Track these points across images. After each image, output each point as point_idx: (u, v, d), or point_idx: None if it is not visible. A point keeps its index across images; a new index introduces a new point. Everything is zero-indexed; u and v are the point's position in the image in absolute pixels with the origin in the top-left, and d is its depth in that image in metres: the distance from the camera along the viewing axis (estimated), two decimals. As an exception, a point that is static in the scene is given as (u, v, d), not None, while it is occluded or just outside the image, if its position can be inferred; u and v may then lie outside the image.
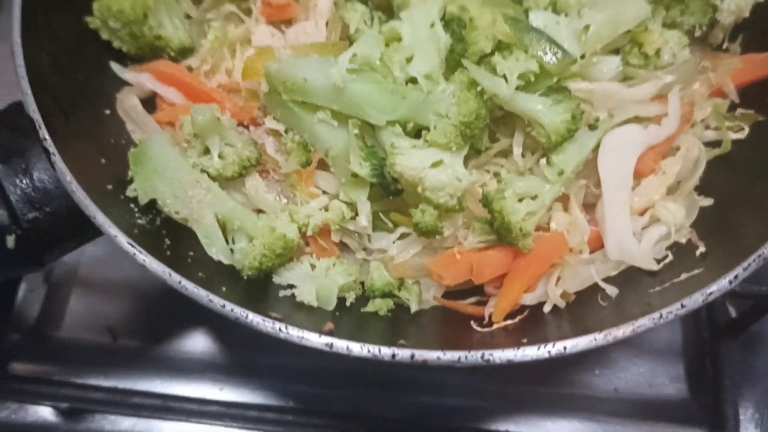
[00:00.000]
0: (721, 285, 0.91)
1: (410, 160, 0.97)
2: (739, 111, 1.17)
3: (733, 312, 1.33)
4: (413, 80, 1.02)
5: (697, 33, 1.19)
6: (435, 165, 0.98)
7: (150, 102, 1.18)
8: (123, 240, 0.91)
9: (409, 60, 1.03)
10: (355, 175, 1.02)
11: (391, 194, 1.03)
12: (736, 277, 0.91)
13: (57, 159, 0.95)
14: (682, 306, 0.89)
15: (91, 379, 1.28)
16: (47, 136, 0.96)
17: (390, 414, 1.27)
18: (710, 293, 0.90)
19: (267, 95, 1.07)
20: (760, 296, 1.20)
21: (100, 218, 0.92)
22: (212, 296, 0.88)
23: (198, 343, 1.33)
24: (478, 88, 0.98)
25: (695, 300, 0.90)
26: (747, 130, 1.15)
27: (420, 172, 0.97)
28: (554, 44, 1.02)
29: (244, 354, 1.32)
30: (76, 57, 1.12)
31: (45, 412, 1.27)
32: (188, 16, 1.22)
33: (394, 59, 1.02)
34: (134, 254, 0.90)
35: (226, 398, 1.28)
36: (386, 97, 1.00)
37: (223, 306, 0.87)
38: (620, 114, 1.09)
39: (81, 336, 1.30)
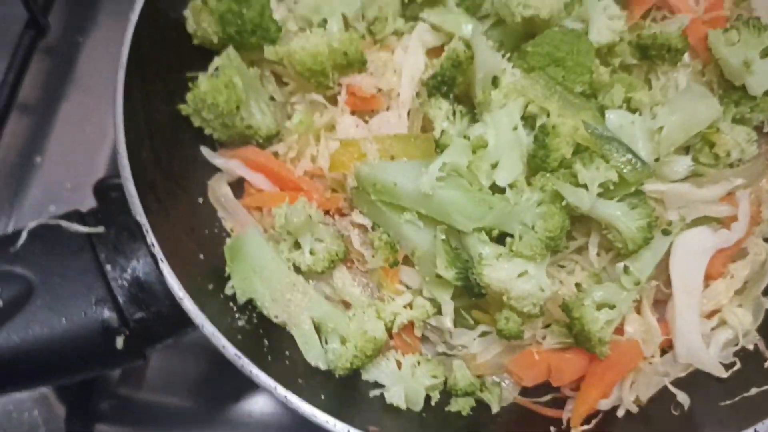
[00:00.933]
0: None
1: (498, 272, 1.01)
2: (811, 204, 1.20)
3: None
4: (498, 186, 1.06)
5: (766, 129, 1.22)
6: (520, 275, 1.03)
7: (238, 185, 1.23)
8: (231, 351, 0.97)
9: (494, 166, 1.08)
10: (439, 276, 1.07)
11: (474, 296, 1.08)
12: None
13: (165, 266, 1.00)
14: (756, 431, 0.95)
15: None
16: (155, 242, 1.01)
17: None
18: (787, 416, 0.95)
19: (355, 192, 1.12)
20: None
21: (209, 329, 0.98)
22: (317, 412, 0.94)
23: (276, 407, 1.36)
24: (563, 202, 1.03)
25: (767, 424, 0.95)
26: (821, 224, 1.19)
27: (507, 284, 1.02)
28: (633, 155, 1.06)
29: None
30: (171, 146, 1.17)
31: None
32: (272, 98, 1.26)
33: (482, 167, 1.06)
34: (242, 365, 0.96)
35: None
36: (473, 205, 1.05)
37: (326, 422, 0.93)
38: (691, 215, 1.14)
39: (161, 397, 1.35)
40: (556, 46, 1.14)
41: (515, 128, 1.09)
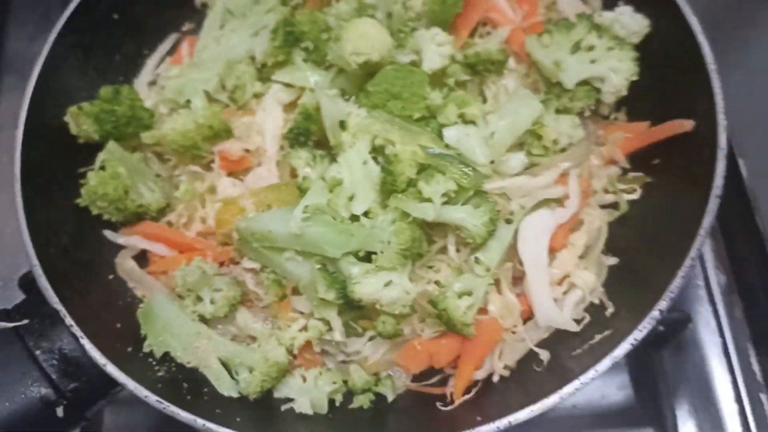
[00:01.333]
0: (623, 348, 1.15)
1: (366, 287, 1.20)
2: (631, 175, 1.40)
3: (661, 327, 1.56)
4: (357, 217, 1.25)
5: (587, 114, 1.42)
6: (386, 285, 1.21)
7: (143, 255, 1.40)
8: (153, 399, 1.14)
9: (351, 199, 1.26)
10: (323, 299, 1.25)
11: (355, 309, 1.26)
12: (635, 339, 1.16)
13: (85, 341, 1.17)
14: (596, 371, 1.14)
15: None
16: (73, 323, 1.18)
17: None
18: (616, 356, 1.15)
19: (240, 243, 1.30)
20: (674, 319, 1.44)
21: (131, 384, 1.15)
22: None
23: None
24: (410, 219, 1.22)
25: (605, 364, 1.14)
26: (639, 190, 1.39)
27: (376, 295, 1.20)
28: (465, 165, 1.25)
29: None
30: (75, 236, 1.34)
31: None
32: (158, 175, 1.44)
33: (339, 203, 1.25)
34: (164, 408, 1.14)
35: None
36: (337, 235, 1.23)
37: (243, 440, 1.11)
38: (530, 202, 1.33)
39: None
40: (392, 82, 1.32)
41: (365, 163, 1.27)
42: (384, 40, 1.36)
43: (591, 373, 1.14)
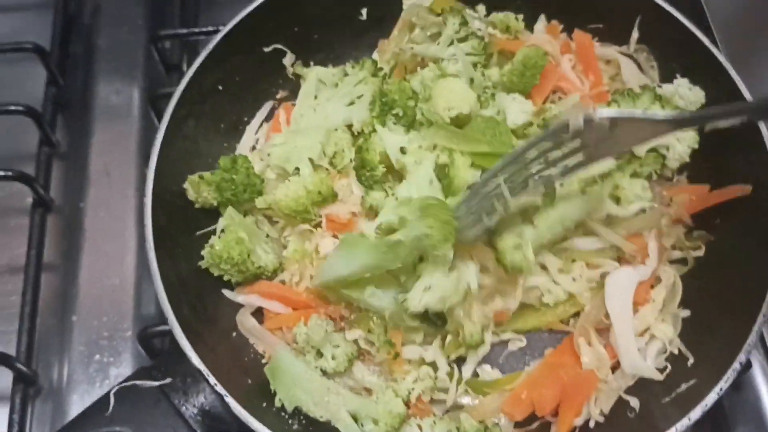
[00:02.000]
0: (712, 398, 1.29)
1: (412, 300, 1.32)
2: (695, 233, 1.55)
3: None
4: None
5: (654, 177, 1.58)
6: (425, 290, 1.31)
7: (259, 312, 1.52)
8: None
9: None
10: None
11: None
12: (721, 389, 1.31)
13: (230, 399, 1.28)
14: (689, 419, 1.29)
15: None
16: (217, 382, 1.29)
17: None
18: (706, 405, 1.30)
19: (329, 292, 1.45)
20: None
21: (274, 441, 1.27)
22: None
23: None
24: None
25: (697, 412, 1.29)
26: (704, 247, 1.55)
27: (422, 303, 1.31)
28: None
29: None
30: (201, 297, 1.45)
31: None
32: (268, 236, 1.56)
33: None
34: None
35: None
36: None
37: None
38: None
39: None
40: (482, 132, 1.48)
41: (431, 182, 1.42)
42: (471, 95, 1.53)
43: (685, 421, 1.28)
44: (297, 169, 1.52)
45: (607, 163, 1.48)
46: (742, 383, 1.66)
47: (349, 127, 1.60)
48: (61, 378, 1.62)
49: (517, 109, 1.55)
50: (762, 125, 1.46)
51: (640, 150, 1.52)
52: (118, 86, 1.93)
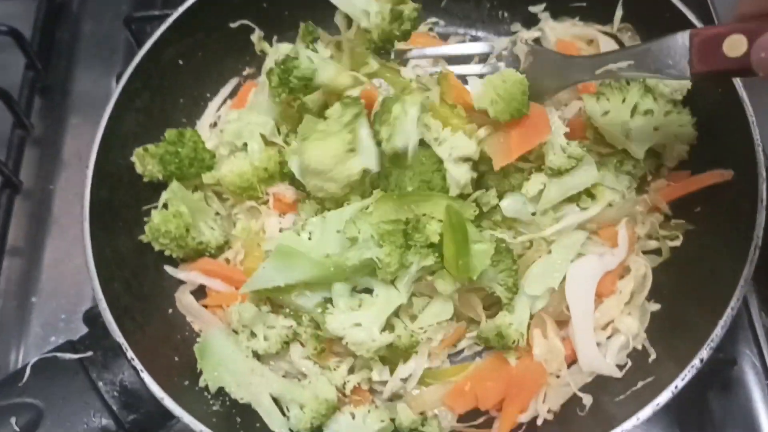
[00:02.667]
0: (665, 396, 1.17)
1: (333, 321, 1.24)
2: (673, 222, 1.43)
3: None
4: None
5: (649, 178, 1.46)
6: (355, 325, 1.24)
7: (200, 290, 1.47)
8: (207, 432, 1.20)
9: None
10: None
11: None
12: (676, 387, 1.18)
13: (145, 375, 1.23)
14: (638, 419, 1.16)
15: None
16: (134, 356, 1.24)
17: None
18: (658, 404, 1.17)
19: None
20: (719, 361, 1.46)
21: (187, 418, 1.20)
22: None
23: None
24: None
25: (646, 411, 1.17)
26: (681, 237, 1.42)
27: (341, 332, 1.24)
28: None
29: None
30: (138, 272, 1.41)
31: None
32: (218, 213, 1.51)
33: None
34: (219, 444, 1.19)
35: None
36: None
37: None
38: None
39: None
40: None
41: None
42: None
43: (633, 420, 1.16)
44: (245, 144, 1.46)
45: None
46: (732, 384, 1.52)
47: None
48: (17, 360, 1.61)
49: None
50: (747, 108, 1.33)
51: (639, 152, 1.39)
52: (98, 71, 1.93)
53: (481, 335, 1.32)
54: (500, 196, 1.36)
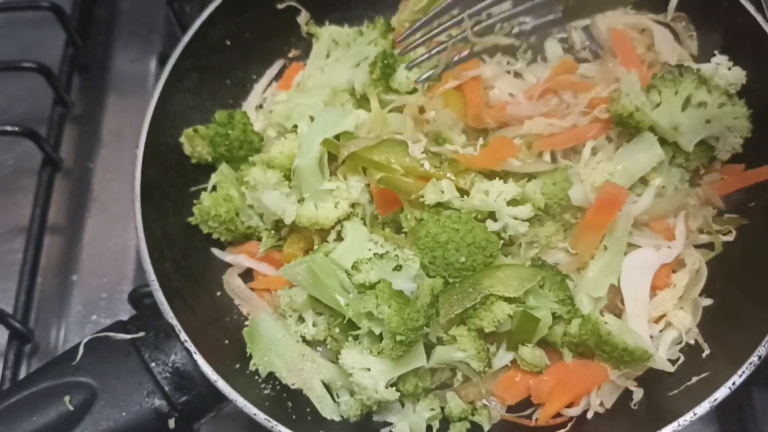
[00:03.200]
0: (722, 392, 1.16)
1: (347, 355, 1.22)
2: (726, 216, 1.41)
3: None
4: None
5: (701, 171, 1.44)
6: (363, 369, 1.21)
7: (248, 274, 1.46)
8: (261, 417, 1.19)
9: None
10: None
11: None
12: (734, 383, 1.17)
13: (198, 357, 1.23)
14: (695, 414, 1.15)
15: None
16: (187, 338, 1.24)
17: None
18: (715, 399, 1.16)
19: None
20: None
21: (240, 401, 1.20)
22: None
23: None
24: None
25: (704, 407, 1.16)
26: (734, 232, 1.40)
27: (350, 368, 1.21)
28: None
29: None
30: (187, 253, 1.40)
31: None
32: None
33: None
34: (272, 427, 1.18)
35: None
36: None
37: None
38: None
39: None
40: None
41: None
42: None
43: (689, 416, 1.16)
44: (295, 126, 1.45)
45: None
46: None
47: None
48: (57, 337, 1.61)
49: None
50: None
51: (688, 144, 1.37)
52: (137, 50, 1.92)
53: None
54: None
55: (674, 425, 1.15)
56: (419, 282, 1.23)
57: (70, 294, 1.66)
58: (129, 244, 1.68)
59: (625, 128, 1.38)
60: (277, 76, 1.65)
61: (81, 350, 1.25)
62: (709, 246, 1.41)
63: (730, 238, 1.40)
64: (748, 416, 1.48)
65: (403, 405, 1.30)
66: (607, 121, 1.39)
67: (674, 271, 1.38)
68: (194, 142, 1.43)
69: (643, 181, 1.40)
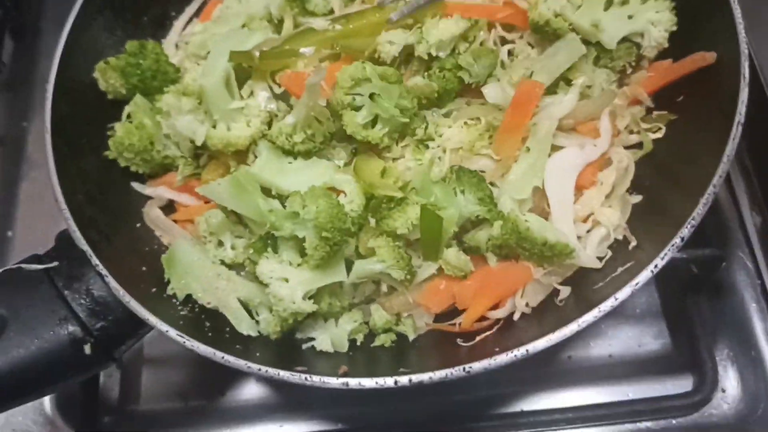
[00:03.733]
0: (644, 276, 1.12)
1: (264, 265, 1.20)
2: (655, 113, 1.37)
3: (694, 269, 1.48)
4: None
5: (629, 71, 1.39)
6: (281, 279, 1.19)
7: (170, 206, 1.43)
8: (173, 333, 1.16)
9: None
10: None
11: None
12: (656, 266, 1.13)
13: (110, 279, 1.20)
14: (616, 299, 1.12)
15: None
16: (98, 262, 1.21)
17: (428, 415, 1.47)
18: (637, 284, 1.12)
19: None
20: (706, 257, 1.42)
21: (152, 320, 1.17)
22: (250, 364, 1.12)
23: (255, 390, 1.54)
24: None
25: (625, 292, 1.12)
26: (664, 128, 1.36)
27: (266, 278, 1.19)
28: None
29: (294, 392, 1.53)
30: (104, 187, 1.38)
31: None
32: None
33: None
34: (184, 342, 1.15)
35: None
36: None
37: (259, 369, 1.12)
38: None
39: (158, 405, 1.53)
40: None
41: None
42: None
43: (611, 301, 1.12)
44: (208, 53, 1.42)
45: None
46: (724, 287, 1.50)
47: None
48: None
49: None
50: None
51: (610, 41, 1.33)
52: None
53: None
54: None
55: (594, 312, 1.11)
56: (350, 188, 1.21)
57: (7, 250, 1.65)
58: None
59: (544, 36, 1.34)
60: (197, 13, 1.62)
61: (-9, 282, 1.22)
62: (639, 146, 1.37)
63: (659, 135, 1.36)
64: (698, 324, 1.48)
65: (325, 320, 1.26)
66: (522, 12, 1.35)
67: (602, 170, 1.33)
68: (106, 75, 1.41)
69: (568, 83, 1.35)
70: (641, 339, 1.54)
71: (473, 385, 1.50)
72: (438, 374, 1.09)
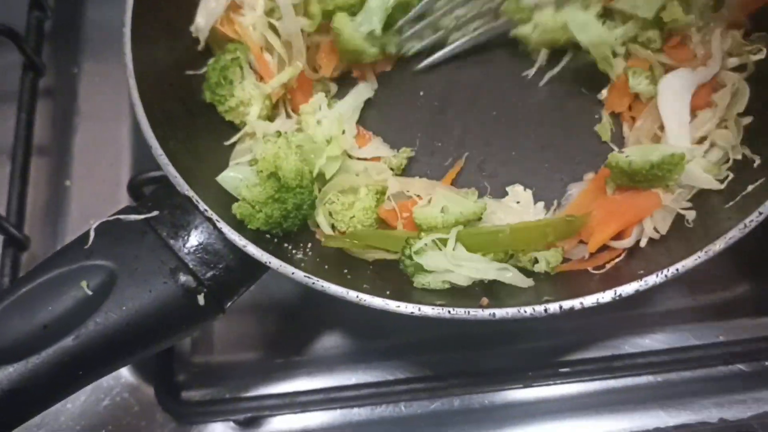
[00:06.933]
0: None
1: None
2: (755, 35, 1.33)
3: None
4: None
5: None
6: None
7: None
8: (300, 275, 1.10)
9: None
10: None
11: None
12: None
13: (222, 225, 1.13)
14: (760, 213, 1.08)
15: (255, 390, 1.43)
16: (207, 208, 1.14)
17: (499, 364, 1.42)
18: (767, 203, 1.08)
19: None
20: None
21: (276, 263, 1.11)
22: (387, 301, 1.07)
23: (331, 341, 1.47)
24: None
25: (766, 207, 1.08)
26: (765, 50, 1.32)
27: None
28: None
29: (369, 342, 1.47)
30: (194, 137, 1.32)
31: (219, 428, 1.42)
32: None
33: None
34: (313, 283, 1.09)
35: (362, 380, 1.43)
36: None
37: (397, 306, 1.07)
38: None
39: (232, 356, 1.46)
40: None
41: None
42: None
43: (755, 215, 1.08)
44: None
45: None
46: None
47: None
48: (54, 246, 1.51)
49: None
50: None
51: None
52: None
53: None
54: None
55: (740, 226, 1.07)
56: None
57: (65, 201, 1.58)
58: (121, 151, 1.62)
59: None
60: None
61: (92, 234, 1.14)
62: (741, 68, 1.33)
63: (762, 56, 1.32)
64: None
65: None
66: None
67: (714, 92, 1.31)
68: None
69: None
70: (730, 279, 1.48)
71: (558, 332, 1.46)
72: (588, 299, 1.05)
